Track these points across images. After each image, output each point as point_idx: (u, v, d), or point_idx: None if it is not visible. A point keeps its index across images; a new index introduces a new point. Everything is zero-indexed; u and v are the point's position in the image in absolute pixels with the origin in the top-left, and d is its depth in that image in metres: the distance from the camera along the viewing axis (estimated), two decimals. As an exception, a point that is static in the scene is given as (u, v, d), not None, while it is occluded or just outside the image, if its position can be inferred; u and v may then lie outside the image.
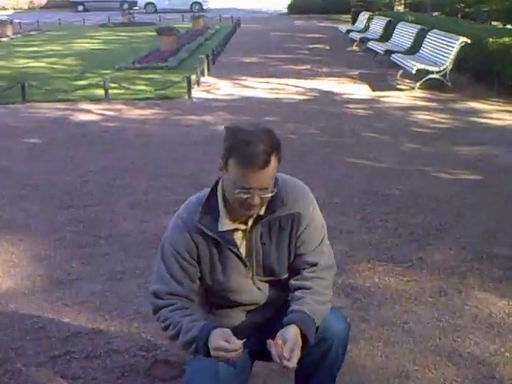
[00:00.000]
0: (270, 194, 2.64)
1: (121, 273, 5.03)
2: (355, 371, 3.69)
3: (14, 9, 50.39)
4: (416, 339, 4.04)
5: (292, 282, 2.86)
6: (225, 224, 2.72)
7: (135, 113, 11.47)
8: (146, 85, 14.14)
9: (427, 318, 4.28)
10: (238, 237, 2.78)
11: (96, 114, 11.43)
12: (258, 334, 2.86)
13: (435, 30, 14.73)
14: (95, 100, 12.56)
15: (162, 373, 3.73)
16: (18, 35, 29.22)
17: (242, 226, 2.77)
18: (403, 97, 12.42)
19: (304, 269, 2.85)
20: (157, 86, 13.56)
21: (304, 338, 2.63)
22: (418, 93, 12.76)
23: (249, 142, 2.50)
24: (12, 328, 4.25)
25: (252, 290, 2.87)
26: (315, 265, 2.84)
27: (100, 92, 12.87)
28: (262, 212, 2.74)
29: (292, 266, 2.88)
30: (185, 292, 2.79)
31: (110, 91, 12.68)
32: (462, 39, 12.73)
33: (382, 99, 12.21)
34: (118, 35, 28.58)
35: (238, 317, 2.92)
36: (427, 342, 4.00)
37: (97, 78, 14.67)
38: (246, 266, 2.81)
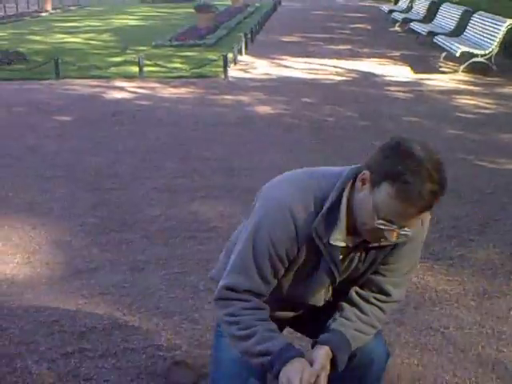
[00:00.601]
0: (410, 233, 2.19)
1: (143, 262, 4.78)
2: (389, 381, 3.37)
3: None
4: (456, 347, 3.72)
5: (353, 295, 2.52)
6: (339, 238, 2.29)
7: (169, 91, 11.19)
8: (181, 63, 13.85)
9: (469, 324, 3.95)
10: (342, 254, 2.38)
11: (129, 91, 11.18)
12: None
13: (481, 12, 14.18)
14: (129, 77, 12.31)
15: (179, 377, 3.46)
16: (58, 10, 29.16)
17: (351, 243, 2.35)
18: (446, 80, 11.97)
19: (373, 291, 2.51)
20: (193, 64, 13.26)
21: (333, 362, 2.34)
22: (462, 76, 12.29)
23: (419, 175, 2.02)
24: (26, 320, 4.01)
25: (320, 298, 2.54)
26: (387, 295, 2.50)
27: (134, 69, 12.62)
28: None
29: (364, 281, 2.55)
30: (266, 292, 2.41)
31: (145, 69, 12.43)
32: (509, 22, 12.18)
33: (423, 82, 11.77)
34: (156, 11, 28.33)
35: (285, 310, 2.62)
36: (469, 351, 3.68)
37: (132, 54, 14.39)
38: (332, 284, 2.46)
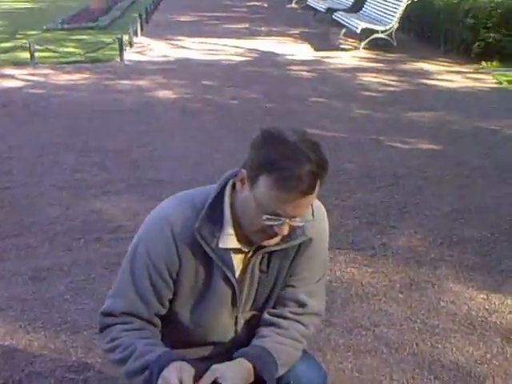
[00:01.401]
0: (301, 223, 2.03)
1: (46, 270, 4.36)
2: (323, 390, 3.13)
3: None
4: (390, 346, 3.52)
5: (266, 316, 2.26)
6: (229, 241, 2.08)
7: (63, 78, 10.61)
8: (75, 47, 13.21)
9: (400, 319, 3.76)
10: (236, 260, 2.14)
11: (20, 79, 10.54)
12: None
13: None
14: (20, 64, 11.62)
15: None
16: None
17: (246, 248, 2.13)
18: (348, 57, 11.85)
19: (286, 306, 2.26)
20: (87, 48, 12.66)
21: (258, 380, 2.05)
22: (363, 53, 12.20)
23: (295, 159, 1.88)
24: None
25: (229, 330, 2.25)
26: (303, 306, 2.26)
27: (25, 55, 11.91)
28: None
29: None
30: (148, 314, 2.15)
31: (36, 54, 11.74)
32: (408, -4, 12.17)
33: (325, 60, 11.61)
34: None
35: (195, 347, 2.29)
36: (403, 350, 3.48)
37: (22, 39, 13.63)
38: (234, 300, 2.18)
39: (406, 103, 8.55)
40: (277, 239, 2.06)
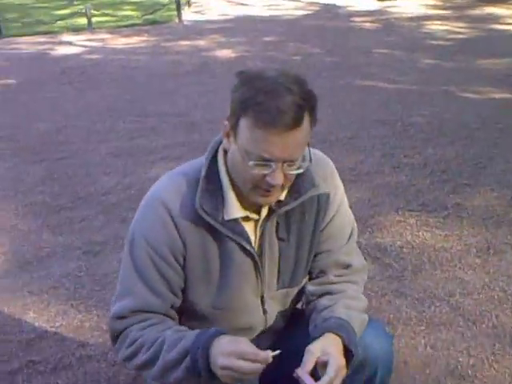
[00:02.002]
0: (298, 171, 1.77)
1: (100, 244, 4.18)
2: (394, 370, 2.85)
3: None
4: (467, 318, 3.20)
5: (311, 287, 2.02)
6: (233, 210, 1.84)
7: (121, 42, 10.46)
8: (132, 9, 13.06)
9: (477, 288, 3.43)
10: (249, 230, 1.89)
11: (78, 46, 10.43)
12: None
13: None
14: (77, 30, 11.50)
15: (147, 388, 2.91)
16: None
17: (254, 216, 1.89)
18: (412, 5, 11.35)
19: (328, 272, 2.01)
20: (144, 10, 12.47)
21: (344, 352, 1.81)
22: (429, 0, 11.64)
23: (273, 91, 1.65)
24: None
25: (256, 311, 2.00)
26: (346, 267, 2.02)
27: (83, 21, 11.81)
28: (281, 197, 1.87)
29: (311, 268, 2.04)
30: (163, 307, 1.90)
31: (93, 19, 11.63)
32: None
33: (389, 10, 11.15)
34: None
35: None
36: (481, 323, 3.16)
37: (79, 5, 13.51)
38: (257, 273, 1.93)
39: (477, 50, 8.07)
40: (278, 194, 1.80)
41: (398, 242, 3.89)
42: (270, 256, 1.93)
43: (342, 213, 2.02)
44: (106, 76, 8.33)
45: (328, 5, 12.01)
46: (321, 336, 1.82)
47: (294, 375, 1.72)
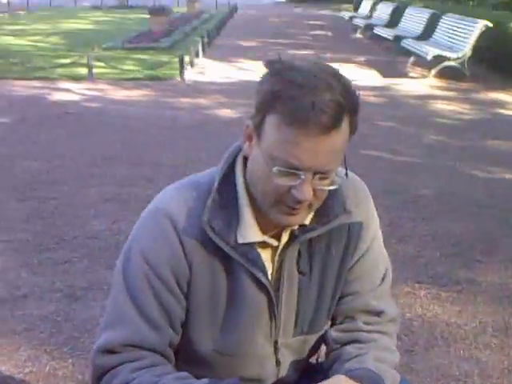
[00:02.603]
0: (331, 187, 1.47)
1: (82, 289, 3.84)
2: None
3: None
4: (486, 403, 2.88)
5: (335, 333, 1.70)
6: (249, 232, 1.52)
7: (121, 93, 10.24)
8: (134, 65, 12.89)
9: (496, 370, 3.12)
10: (265, 259, 1.57)
11: (76, 93, 10.19)
12: None
13: (450, 14, 13.52)
14: (77, 79, 11.29)
15: None
16: (5, 14, 27.86)
17: (272, 241, 1.57)
18: (417, 85, 11.23)
19: (356, 318, 1.69)
20: (146, 66, 12.33)
21: None
22: (433, 81, 11.55)
23: (309, 85, 1.37)
24: None
25: (267, 360, 1.67)
26: (378, 314, 1.69)
27: (83, 71, 11.61)
28: (306, 221, 1.56)
29: (334, 313, 1.72)
30: (160, 342, 1.55)
31: (95, 70, 11.43)
32: (483, 23, 11.51)
33: (394, 87, 11.02)
34: (108, 16, 27.23)
35: None
36: (503, 409, 2.84)
37: (81, 57, 13.36)
38: (270, 312, 1.60)
39: (483, 131, 7.89)
40: (304, 215, 1.50)
41: (408, 315, 3.57)
42: (287, 293, 1.61)
43: (375, 249, 1.70)
44: (103, 123, 8.08)
45: (331, 77, 11.90)
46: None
47: None
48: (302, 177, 1.40)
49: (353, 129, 1.45)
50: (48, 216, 4.99)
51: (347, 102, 1.40)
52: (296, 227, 1.56)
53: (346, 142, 1.45)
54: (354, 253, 1.66)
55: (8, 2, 31.15)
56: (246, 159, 1.54)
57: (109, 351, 1.54)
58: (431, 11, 14.91)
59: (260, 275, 1.54)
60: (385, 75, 12.13)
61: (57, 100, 9.60)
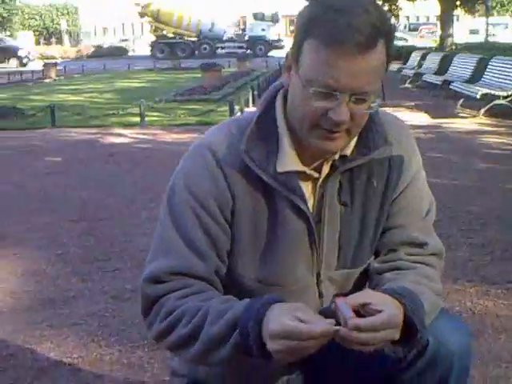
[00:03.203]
0: (369, 110, 1.48)
1: (130, 291, 3.87)
2: None
3: (62, 58, 50.14)
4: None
5: (376, 264, 1.69)
6: (288, 161, 1.55)
7: (171, 137, 10.42)
8: (185, 113, 13.12)
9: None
10: (305, 189, 1.59)
11: (128, 137, 10.43)
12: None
13: (498, 57, 13.51)
14: (130, 126, 11.55)
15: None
16: (62, 77, 28.76)
17: (313, 173, 1.59)
18: (467, 123, 11.17)
19: (398, 250, 1.68)
20: (197, 113, 12.54)
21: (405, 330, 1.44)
22: (483, 120, 11.48)
23: (347, 8, 1.41)
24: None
25: (310, 292, 1.67)
26: (421, 245, 1.68)
27: (135, 119, 11.88)
28: (347, 152, 1.58)
29: (377, 246, 1.71)
30: (207, 270, 1.57)
31: (147, 118, 11.68)
32: (532, 61, 11.48)
33: (443, 125, 10.98)
34: (161, 76, 27.85)
35: None
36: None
37: (134, 107, 13.67)
38: (311, 242, 1.61)
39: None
40: (343, 141, 1.50)
41: (457, 308, 3.51)
42: (329, 224, 1.62)
43: (419, 183, 1.70)
44: (153, 160, 8.23)
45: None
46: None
47: (332, 306, 1.40)
48: (339, 98, 1.42)
49: (389, 56, 1.47)
50: (98, 234, 5.07)
51: (383, 26, 1.43)
52: (337, 157, 1.58)
53: (383, 66, 1.47)
54: (396, 186, 1.66)
55: (64, 68, 32.21)
56: (285, 97, 1.58)
57: (156, 281, 1.57)
58: (479, 56, 14.93)
59: (299, 202, 1.56)
60: (434, 116, 12.10)
61: (109, 142, 9.84)
